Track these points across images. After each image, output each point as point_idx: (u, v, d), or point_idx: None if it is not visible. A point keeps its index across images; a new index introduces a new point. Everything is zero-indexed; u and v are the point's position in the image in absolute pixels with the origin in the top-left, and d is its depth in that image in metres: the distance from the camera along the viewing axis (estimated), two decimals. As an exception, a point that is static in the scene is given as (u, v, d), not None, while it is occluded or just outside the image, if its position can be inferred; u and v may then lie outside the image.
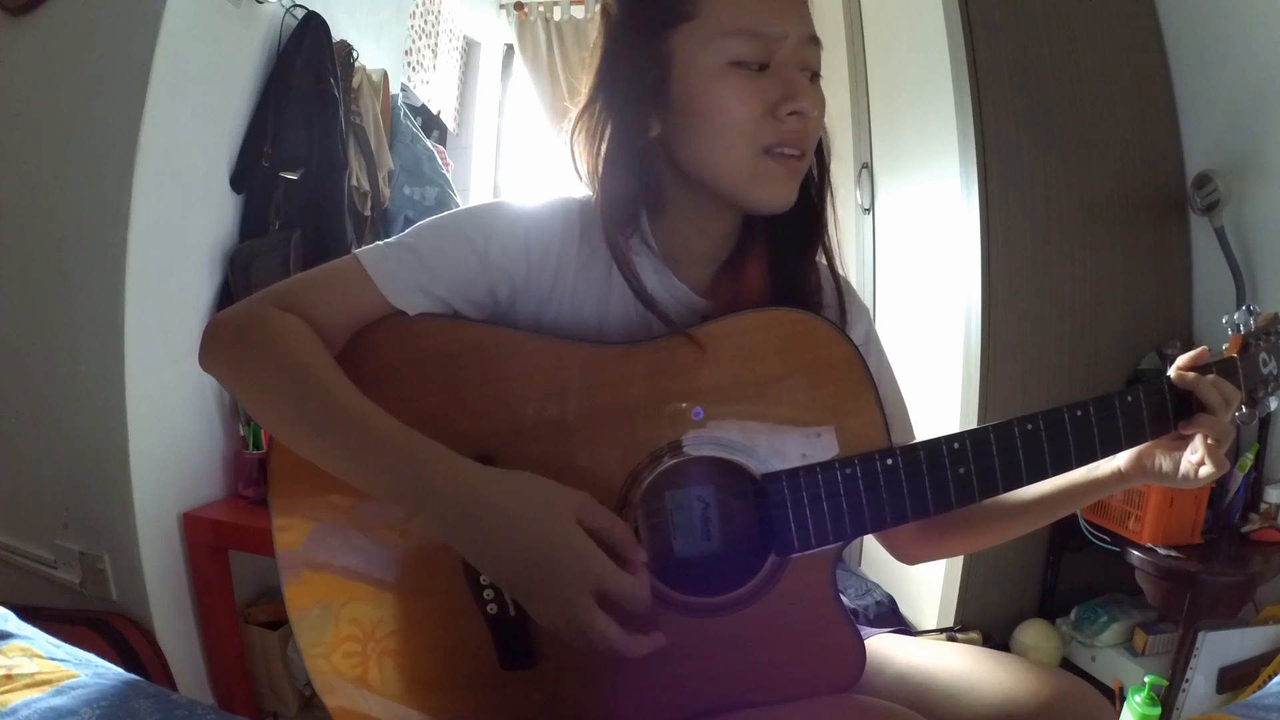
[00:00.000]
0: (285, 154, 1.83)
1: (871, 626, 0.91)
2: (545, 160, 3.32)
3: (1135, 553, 1.64)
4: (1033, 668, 0.76)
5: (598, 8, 0.78)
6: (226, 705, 1.72)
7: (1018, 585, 1.98)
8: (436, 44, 2.79)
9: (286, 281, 0.74)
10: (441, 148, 2.59)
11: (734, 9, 0.70)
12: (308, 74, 1.87)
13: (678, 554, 0.77)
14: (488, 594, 0.70)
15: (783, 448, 0.73)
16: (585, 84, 0.76)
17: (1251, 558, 1.61)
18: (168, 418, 1.66)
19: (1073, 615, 1.91)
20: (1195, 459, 0.76)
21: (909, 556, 0.92)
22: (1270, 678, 1.42)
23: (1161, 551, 1.61)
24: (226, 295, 1.78)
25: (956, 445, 0.73)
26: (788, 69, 0.71)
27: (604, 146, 0.74)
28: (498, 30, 3.25)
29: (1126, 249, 1.92)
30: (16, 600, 1.09)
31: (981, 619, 1.93)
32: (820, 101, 0.73)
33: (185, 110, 1.62)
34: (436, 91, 2.80)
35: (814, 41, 0.73)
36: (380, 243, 0.74)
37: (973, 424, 0.96)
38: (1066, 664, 1.90)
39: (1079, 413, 0.74)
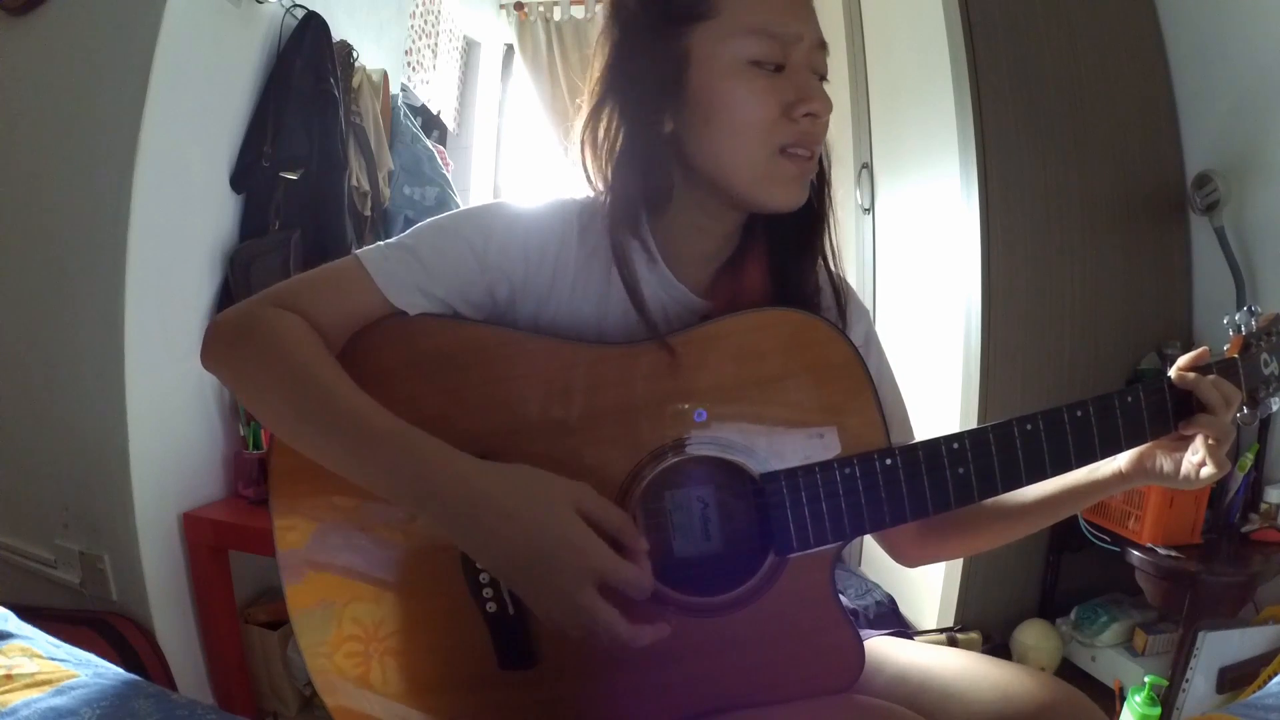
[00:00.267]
0: (285, 154, 1.83)
1: (871, 627, 0.91)
2: (545, 160, 3.32)
3: (1135, 553, 1.64)
4: (1031, 672, 0.76)
5: (599, 7, 0.78)
6: (226, 705, 1.72)
7: (1018, 585, 1.98)
8: (436, 44, 2.79)
9: (287, 282, 0.74)
10: (441, 148, 2.58)
11: (754, 10, 0.71)
12: (308, 74, 1.87)
13: (677, 554, 0.77)
14: (487, 592, 0.70)
15: (782, 448, 0.73)
16: (591, 82, 0.76)
17: (1251, 558, 1.61)
18: (168, 418, 1.66)
19: (1073, 615, 1.91)
20: (1196, 459, 0.76)
21: (909, 559, 0.92)
22: (1270, 678, 1.42)
23: (1161, 551, 1.61)
24: (226, 295, 1.78)
25: (956, 445, 0.73)
26: (801, 71, 0.72)
27: (618, 143, 0.74)
28: (498, 30, 3.25)
29: (1126, 249, 1.93)
30: (16, 600, 1.09)
31: (982, 619, 1.93)
32: (830, 105, 0.74)
33: (185, 110, 1.62)
34: (436, 91, 2.80)
35: (823, 46, 0.75)
36: (380, 243, 0.75)
37: (973, 424, 0.96)
38: (1067, 664, 1.91)
39: (1079, 413, 0.74)
